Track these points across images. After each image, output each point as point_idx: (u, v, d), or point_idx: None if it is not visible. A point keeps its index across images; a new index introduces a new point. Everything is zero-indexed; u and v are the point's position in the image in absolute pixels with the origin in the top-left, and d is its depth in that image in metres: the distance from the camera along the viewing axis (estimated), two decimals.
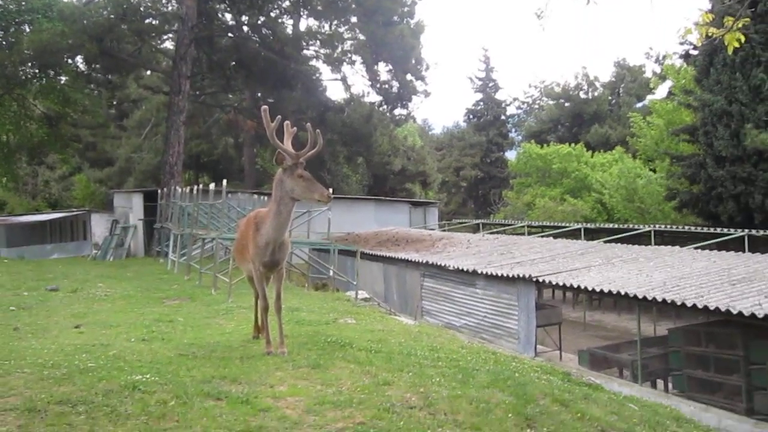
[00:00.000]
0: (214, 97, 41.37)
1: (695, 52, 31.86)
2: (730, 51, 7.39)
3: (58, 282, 17.71)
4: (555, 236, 25.89)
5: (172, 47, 37.81)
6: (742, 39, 7.11)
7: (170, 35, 36.13)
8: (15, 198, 54.70)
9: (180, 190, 26.17)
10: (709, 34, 7.12)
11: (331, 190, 7.00)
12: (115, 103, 46.37)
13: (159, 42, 37.99)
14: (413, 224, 37.03)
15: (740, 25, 7.05)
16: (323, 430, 5.13)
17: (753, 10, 24.03)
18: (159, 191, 30.42)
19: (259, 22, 37.18)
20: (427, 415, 5.64)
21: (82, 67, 32.77)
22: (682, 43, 33.33)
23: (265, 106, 7.88)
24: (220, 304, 13.62)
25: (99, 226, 35.37)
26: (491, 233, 29.73)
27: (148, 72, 43.15)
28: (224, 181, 19.40)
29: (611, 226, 29.28)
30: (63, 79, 31.15)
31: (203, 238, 19.55)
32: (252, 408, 5.50)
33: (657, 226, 26.03)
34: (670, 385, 14.59)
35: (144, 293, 15.84)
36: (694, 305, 12.12)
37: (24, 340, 8.97)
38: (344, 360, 7.50)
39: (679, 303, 12.41)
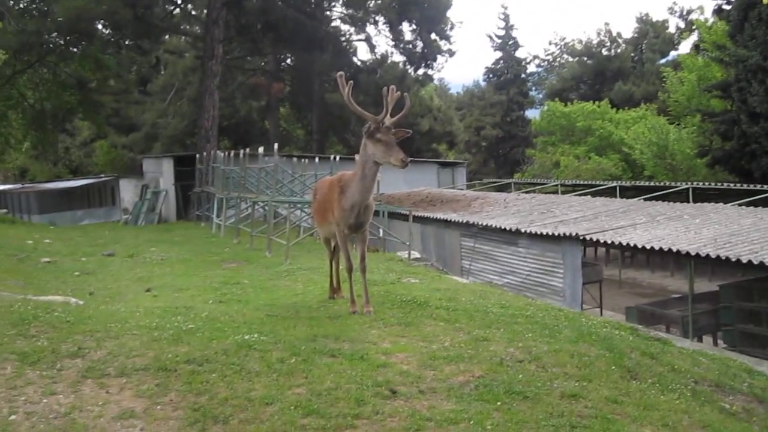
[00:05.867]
0: (239, 60, 41.36)
1: (728, 7, 31.50)
2: None
3: (110, 247, 18.03)
4: (592, 195, 25.94)
5: (197, 12, 37.88)
6: None
7: (200, 0, 36.05)
8: (36, 165, 54.87)
9: (222, 154, 26.34)
10: None
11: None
12: (134, 68, 46.34)
13: (190, 6, 38.00)
14: (441, 185, 37.01)
15: None
16: (446, 384, 5.30)
17: None
18: (197, 156, 30.60)
19: None
20: (537, 368, 5.81)
21: (108, 33, 32.87)
22: None
23: (341, 72, 7.96)
24: (278, 266, 13.82)
25: (127, 191, 35.74)
26: (525, 192, 29.79)
27: (167, 36, 43.05)
28: (275, 145, 19.49)
29: (647, 183, 29.23)
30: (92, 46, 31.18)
31: (254, 202, 19.72)
32: (370, 364, 5.68)
33: (694, 183, 25.96)
34: (719, 341, 14.81)
35: (199, 257, 16.12)
36: (750, 261, 12.21)
37: (108, 304, 9.18)
38: (430, 318, 7.65)
39: (734, 259, 12.48)
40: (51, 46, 30.90)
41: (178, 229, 26.13)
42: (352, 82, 7.59)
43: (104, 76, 32.73)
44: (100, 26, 31.63)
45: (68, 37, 30.54)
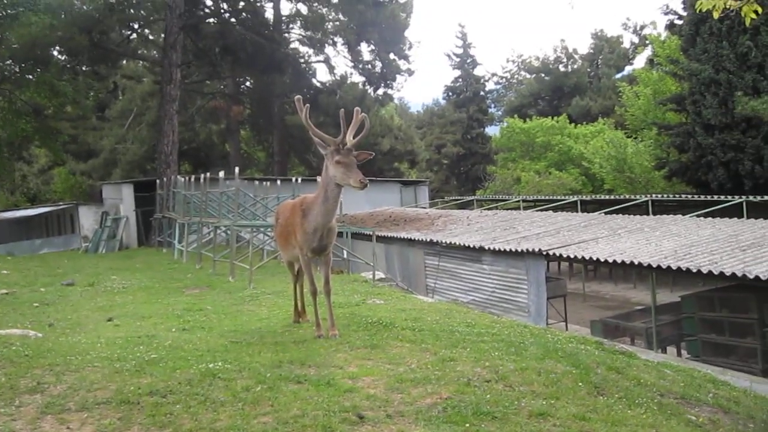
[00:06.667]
0: (197, 84, 41.26)
1: (680, 22, 32.15)
2: (748, 23, 7.52)
3: (70, 276, 17.71)
4: (553, 210, 26.18)
5: (154, 37, 37.71)
6: (759, 10, 7.26)
7: (157, 25, 35.91)
8: None
9: (182, 179, 26.15)
10: (727, 6, 7.25)
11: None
12: (92, 94, 45.93)
13: (147, 32, 37.80)
14: (404, 203, 37.11)
15: None
16: (414, 407, 5.26)
17: None
18: (157, 181, 30.36)
19: (240, 6, 37.13)
20: (504, 387, 5.80)
21: (64, 59, 32.55)
22: (666, 13, 33.60)
23: (299, 96, 7.96)
24: (241, 291, 13.71)
25: (87, 218, 35.14)
26: (488, 209, 29.96)
27: (125, 61, 42.77)
28: (236, 169, 19.42)
29: (608, 197, 29.61)
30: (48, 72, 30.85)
31: (216, 226, 19.59)
32: (336, 390, 5.62)
33: (653, 195, 26.35)
34: (683, 351, 14.98)
35: (161, 284, 15.90)
36: (710, 272, 12.38)
37: (68, 336, 8.99)
38: (396, 339, 7.62)
39: (694, 270, 12.65)
40: (6, 73, 30.56)
41: (139, 256, 25.82)
42: (308, 105, 7.56)
43: (61, 102, 32.36)
44: (55, 52, 31.34)
45: (23, 64, 30.22)
